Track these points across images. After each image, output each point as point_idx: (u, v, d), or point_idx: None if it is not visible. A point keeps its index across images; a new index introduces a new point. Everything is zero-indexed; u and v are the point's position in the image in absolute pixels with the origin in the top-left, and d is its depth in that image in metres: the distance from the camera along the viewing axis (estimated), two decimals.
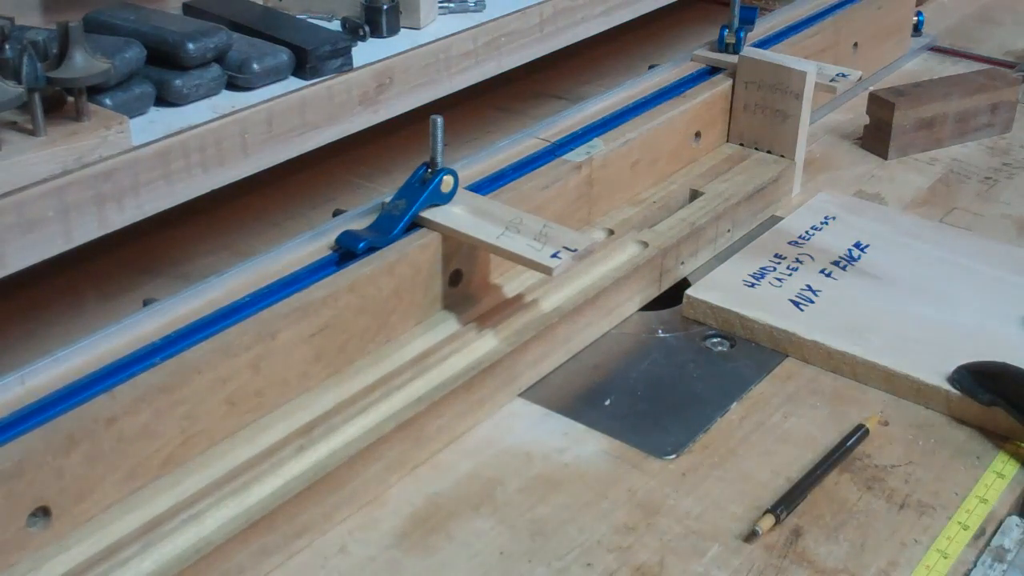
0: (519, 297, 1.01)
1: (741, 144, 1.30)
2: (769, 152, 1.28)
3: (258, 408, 0.84)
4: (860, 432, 0.93)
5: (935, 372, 0.97)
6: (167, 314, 0.85)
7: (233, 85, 1.04)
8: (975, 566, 0.82)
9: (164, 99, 1.00)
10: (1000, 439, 0.94)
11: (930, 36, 1.76)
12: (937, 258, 1.15)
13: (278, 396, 0.86)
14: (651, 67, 1.40)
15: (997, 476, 0.91)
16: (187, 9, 1.16)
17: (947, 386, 0.96)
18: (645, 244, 1.11)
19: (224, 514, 0.78)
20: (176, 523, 0.77)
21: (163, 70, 1.01)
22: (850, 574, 0.81)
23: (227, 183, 1.00)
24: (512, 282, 1.03)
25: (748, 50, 1.30)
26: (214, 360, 0.80)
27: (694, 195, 1.21)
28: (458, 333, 0.96)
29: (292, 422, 0.85)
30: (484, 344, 0.95)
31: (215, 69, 1.02)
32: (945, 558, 0.83)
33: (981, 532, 0.85)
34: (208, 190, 0.99)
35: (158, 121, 0.98)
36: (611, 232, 1.13)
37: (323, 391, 0.88)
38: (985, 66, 1.61)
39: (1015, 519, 0.86)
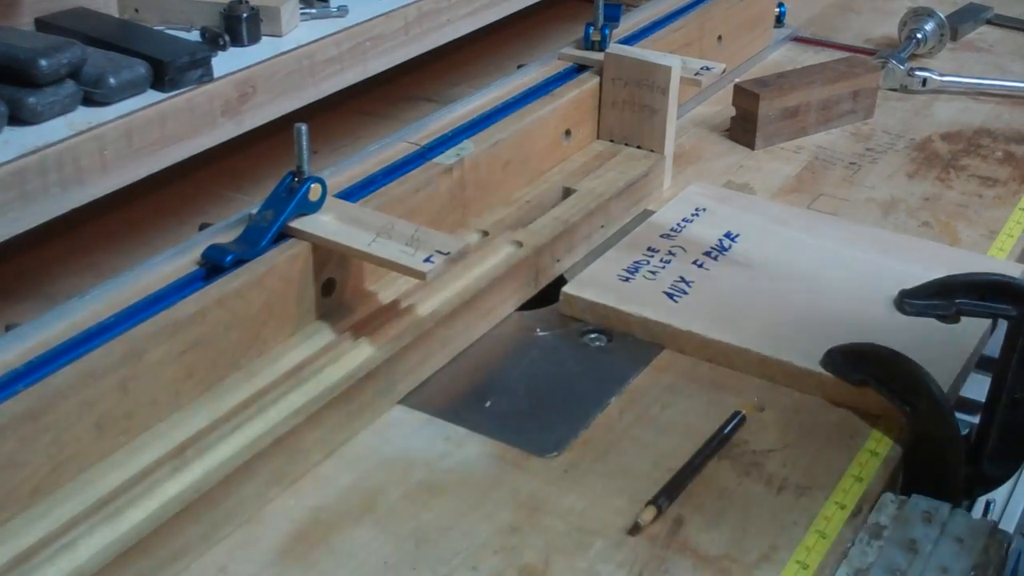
0: (394, 303, 1.00)
1: (611, 140, 1.31)
2: (639, 147, 1.29)
3: (129, 431, 0.82)
4: (737, 419, 0.94)
5: (808, 356, 0.99)
6: (30, 338, 0.82)
7: (90, 101, 1.01)
8: (853, 544, 0.84)
9: (18, 118, 0.97)
10: (873, 418, 0.96)
11: (792, 27, 1.79)
12: (806, 244, 1.17)
13: (149, 417, 0.84)
14: (519, 67, 1.40)
15: (871, 455, 0.92)
16: (40, 25, 1.13)
17: (819, 369, 0.98)
18: (520, 244, 1.11)
19: (97, 541, 0.75)
20: (48, 553, 0.74)
21: (16, 88, 0.98)
22: (732, 559, 0.82)
23: (88, 201, 0.98)
24: (387, 288, 1.02)
25: (613, 47, 1.31)
26: (79, 384, 0.78)
27: (567, 193, 1.21)
28: (333, 343, 0.95)
29: (165, 443, 0.83)
30: (360, 353, 0.94)
31: (70, 85, 1.00)
32: (824, 538, 0.84)
33: (858, 510, 0.87)
34: (68, 209, 0.96)
35: (12, 141, 0.95)
36: (485, 233, 1.12)
37: (196, 409, 0.86)
38: (846, 54, 1.64)
39: (889, 496, 0.88)
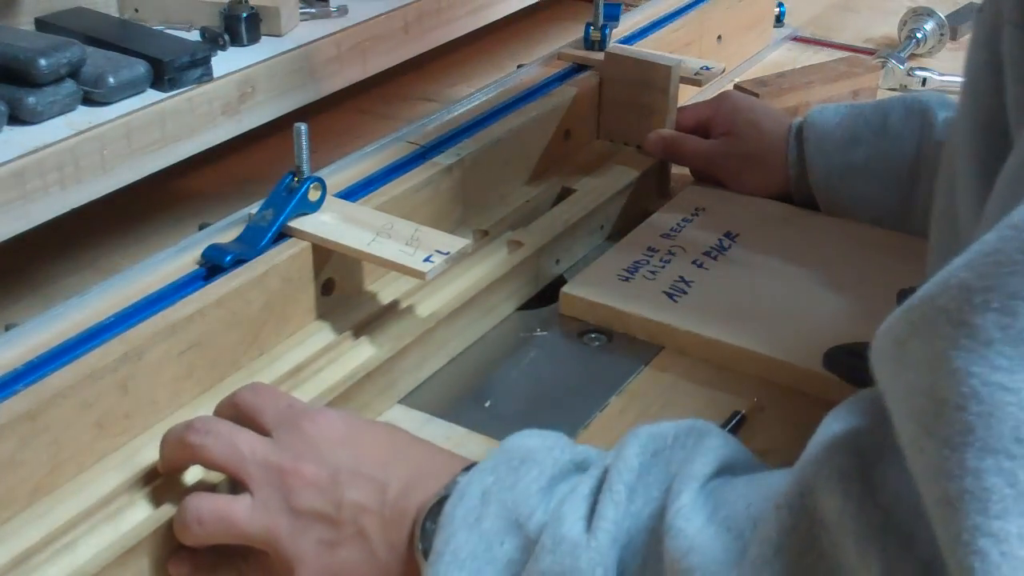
0: (395, 303, 1.00)
1: (611, 140, 1.31)
2: (639, 147, 1.29)
3: (128, 430, 0.82)
4: (737, 418, 0.94)
5: (808, 355, 0.99)
6: (30, 338, 0.82)
7: (89, 100, 1.01)
8: None
9: (18, 118, 0.97)
10: None
11: (792, 27, 1.79)
12: (807, 243, 1.17)
13: (149, 417, 0.84)
14: (519, 66, 1.41)
15: None
16: (40, 24, 1.13)
17: (820, 368, 0.98)
18: (519, 244, 1.10)
19: (98, 542, 0.75)
20: (48, 554, 0.74)
21: (15, 88, 0.98)
22: None
23: (87, 200, 0.98)
24: (387, 288, 1.02)
25: (613, 47, 1.31)
26: (79, 384, 0.78)
27: (565, 192, 1.21)
28: (334, 343, 0.95)
29: None
30: (361, 352, 0.94)
31: (70, 85, 1.00)
32: None
33: None
34: (68, 209, 0.96)
35: (12, 141, 0.95)
36: (485, 233, 1.12)
37: (195, 408, 0.86)
38: (845, 54, 1.65)
39: None
